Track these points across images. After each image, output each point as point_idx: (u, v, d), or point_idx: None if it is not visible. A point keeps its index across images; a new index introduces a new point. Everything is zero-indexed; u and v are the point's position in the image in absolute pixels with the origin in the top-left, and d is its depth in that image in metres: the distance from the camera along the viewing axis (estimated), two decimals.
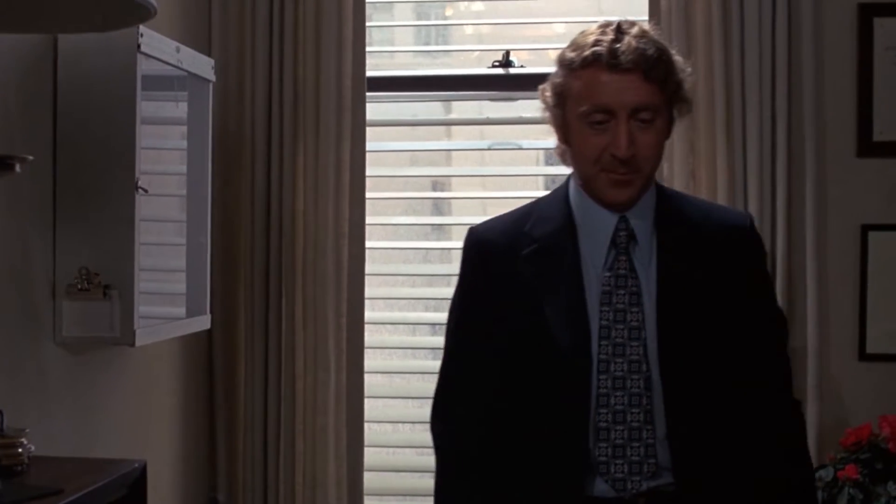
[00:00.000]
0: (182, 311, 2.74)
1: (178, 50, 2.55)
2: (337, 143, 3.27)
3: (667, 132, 2.06)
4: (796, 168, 3.19)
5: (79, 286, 2.34)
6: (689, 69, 2.08)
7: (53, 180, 2.35)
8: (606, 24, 2.03)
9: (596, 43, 1.99)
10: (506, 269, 2.08)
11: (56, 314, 2.35)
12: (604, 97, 1.98)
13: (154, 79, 2.47)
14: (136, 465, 1.68)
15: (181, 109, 2.70)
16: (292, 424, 3.26)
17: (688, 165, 3.21)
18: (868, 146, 3.22)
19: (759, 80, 3.18)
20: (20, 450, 1.62)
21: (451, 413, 2.13)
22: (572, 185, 2.12)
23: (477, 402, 2.11)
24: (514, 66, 3.45)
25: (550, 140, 2.15)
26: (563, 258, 2.06)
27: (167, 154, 2.69)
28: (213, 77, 2.80)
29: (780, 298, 3.10)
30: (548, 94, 2.08)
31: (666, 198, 2.12)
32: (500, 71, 3.46)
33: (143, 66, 2.37)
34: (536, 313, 2.05)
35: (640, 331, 2.02)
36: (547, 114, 2.10)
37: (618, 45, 1.97)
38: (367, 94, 3.31)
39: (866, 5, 3.20)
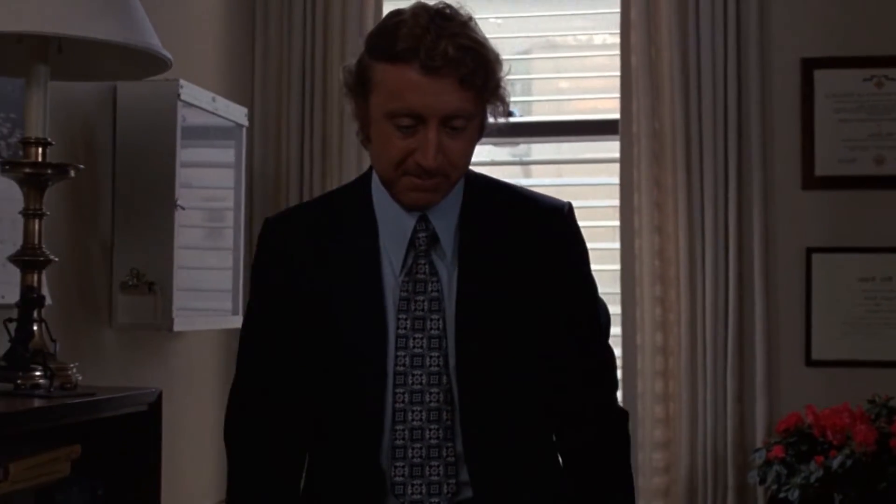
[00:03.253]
0: (227, 308, 3.34)
1: (213, 99, 3.19)
2: None
3: (479, 135, 1.90)
4: (746, 198, 3.68)
5: (130, 283, 2.96)
6: (508, 67, 1.88)
7: (112, 199, 2.98)
8: (422, 10, 1.82)
9: (411, 36, 1.77)
10: (300, 264, 1.92)
11: (112, 305, 2.97)
12: (414, 102, 1.78)
13: (195, 121, 3.10)
14: (154, 390, 2.26)
15: (218, 147, 3.33)
16: None
17: (652, 196, 3.74)
18: (811, 180, 3.73)
19: (714, 125, 3.67)
20: (69, 373, 2.20)
21: (241, 412, 1.98)
22: (374, 178, 1.94)
23: (268, 401, 1.94)
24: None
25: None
26: (362, 258, 1.91)
27: (209, 181, 3.31)
28: (246, 122, 3.43)
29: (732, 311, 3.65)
30: (350, 78, 1.88)
31: (475, 192, 1.95)
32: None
33: (183, 112, 3.00)
34: (330, 317, 1.90)
35: (440, 340, 1.88)
36: (346, 97, 1.91)
37: (435, 44, 1.76)
38: None
39: (808, 59, 3.72)
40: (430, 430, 1.88)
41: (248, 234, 3.54)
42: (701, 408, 3.67)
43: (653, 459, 3.70)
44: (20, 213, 2.23)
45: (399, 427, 1.88)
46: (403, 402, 1.88)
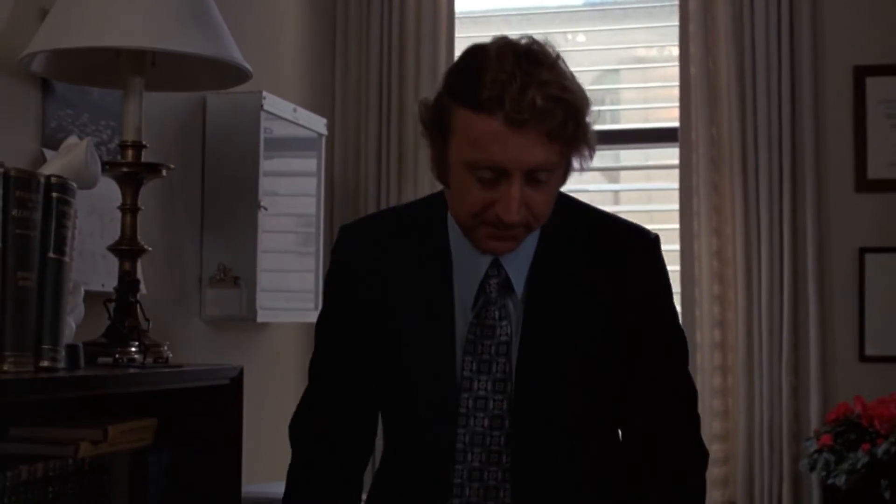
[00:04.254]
0: (309, 306, 3.61)
1: (294, 110, 3.46)
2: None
3: (563, 181, 1.80)
4: (800, 201, 3.84)
5: (217, 278, 3.23)
6: (596, 110, 1.77)
7: (201, 200, 3.26)
8: (507, 51, 1.69)
9: (496, 83, 1.65)
10: (371, 281, 1.88)
11: (202, 298, 3.24)
12: (497, 155, 1.67)
13: (278, 132, 3.37)
14: (237, 366, 2.51)
15: (300, 156, 3.60)
16: None
17: (710, 200, 3.92)
18: (864, 182, 3.89)
19: (769, 131, 3.84)
20: (161, 349, 2.46)
21: (307, 412, 1.98)
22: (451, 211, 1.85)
23: (333, 406, 1.94)
24: None
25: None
26: (434, 290, 1.86)
27: (291, 188, 3.58)
28: (325, 132, 3.70)
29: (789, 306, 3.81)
30: (426, 115, 1.79)
31: (553, 225, 1.84)
32: None
33: (266, 123, 3.27)
34: (396, 344, 1.88)
35: (505, 383, 1.84)
36: (422, 133, 1.82)
37: (521, 94, 1.64)
38: None
39: (860, 67, 3.89)
40: (489, 471, 1.86)
41: (328, 237, 3.80)
42: (757, 401, 3.84)
43: (712, 451, 3.84)
44: (118, 207, 2.49)
45: (458, 467, 1.86)
46: (464, 442, 1.86)
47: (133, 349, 2.34)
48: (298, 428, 1.98)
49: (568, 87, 1.70)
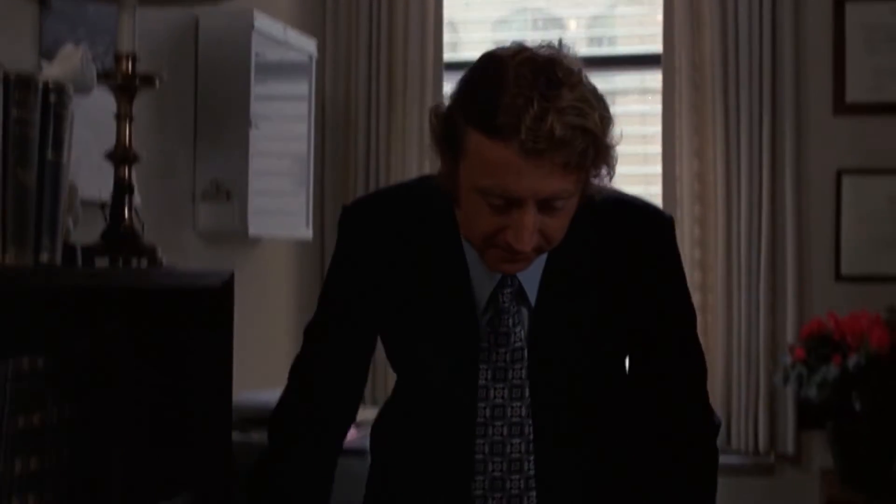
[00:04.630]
0: (300, 221, 3.70)
1: (284, 30, 3.54)
2: (420, 114, 4.20)
3: (579, 201, 1.68)
4: (780, 124, 3.93)
5: (210, 192, 3.33)
6: (620, 134, 1.64)
7: (194, 119, 3.34)
8: (526, 70, 1.56)
9: (512, 109, 1.53)
10: (381, 272, 1.83)
11: (195, 211, 3.34)
12: (510, 185, 1.58)
13: (269, 55, 3.45)
14: (227, 271, 2.60)
15: (290, 78, 3.68)
16: None
17: (692, 122, 4.01)
18: (842, 106, 3.98)
19: (749, 55, 3.92)
20: (156, 253, 2.55)
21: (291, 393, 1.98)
22: None
23: (320, 387, 1.91)
24: None
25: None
26: (453, 294, 1.80)
27: (282, 109, 3.67)
28: (315, 53, 3.78)
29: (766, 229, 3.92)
30: (437, 127, 1.66)
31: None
32: None
33: (256, 44, 3.35)
34: (410, 340, 1.86)
35: (522, 389, 1.81)
36: (432, 147, 1.71)
37: (539, 122, 1.52)
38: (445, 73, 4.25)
39: None
40: (511, 480, 1.84)
41: (318, 159, 3.89)
42: (735, 319, 3.96)
43: None
44: (114, 116, 2.58)
45: (479, 477, 1.84)
46: (484, 453, 1.83)
47: (128, 251, 2.43)
48: (293, 378, 1.97)
49: (589, 113, 1.57)
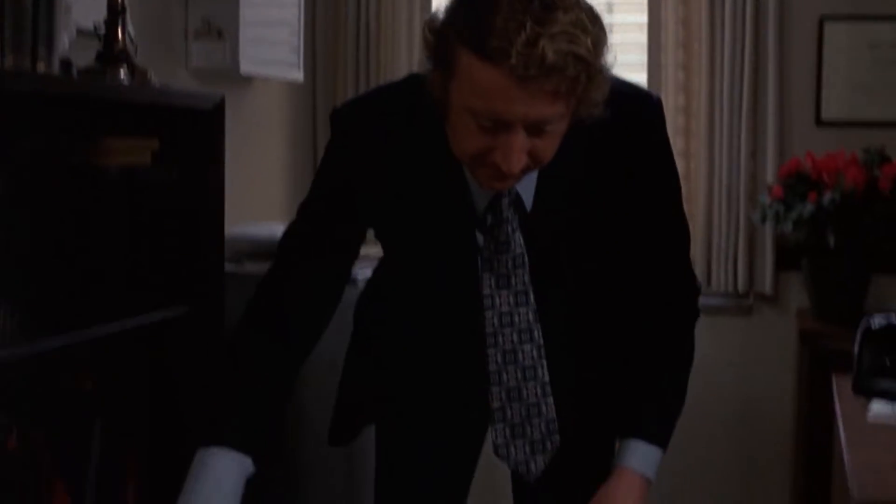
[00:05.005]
0: (293, 61, 3.77)
1: None
2: None
3: (569, 122, 1.65)
4: None
5: (202, 30, 3.40)
6: (613, 57, 1.61)
7: None
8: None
9: (504, 32, 1.50)
10: (378, 179, 1.80)
11: (187, 49, 3.42)
12: (500, 108, 1.55)
13: None
14: (218, 92, 2.69)
15: None
16: None
17: None
18: None
19: None
20: (148, 74, 2.64)
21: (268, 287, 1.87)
22: None
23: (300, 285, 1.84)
24: None
25: None
26: (452, 204, 1.79)
27: None
28: None
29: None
30: (430, 42, 1.63)
31: None
32: None
33: None
34: (410, 250, 1.87)
35: (526, 295, 1.83)
36: (425, 58, 1.66)
37: (531, 48, 1.49)
38: None
39: None
40: (528, 388, 1.84)
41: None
42: (717, 163, 4.06)
43: None
44: None
45: (495, 389, 1.85)
46: (497, 363, 1.84)
47: (122, 71, 2.52)
48: (284, 242, 1.91)
49: (582, 39, 1.53)
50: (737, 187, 4.04)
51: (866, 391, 2.45)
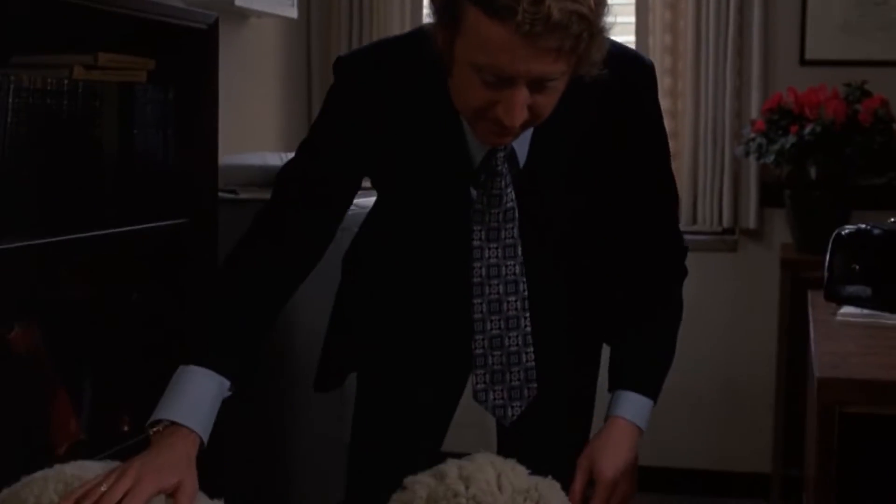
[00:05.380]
0: (289, 1, 3.86)
1: None
2: None
3: (568, 81, 1.71)
4: None
5: None
6: (613, 20, 1.68)
7: None
8: None
9: None
10: (379, 128, 1.86)
11: None
12: (504, 63, 1.62)
13: None
14: (212, 13, 2.77)
15: None
16: None
17: None
18: None
19: None
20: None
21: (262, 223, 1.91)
22: None
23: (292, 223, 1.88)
24: None
25: None
26: (449, 153, 1.85)
27: None
28: None
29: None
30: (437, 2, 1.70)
31: None
32: None
33: None
34: (405, 195, 1.93)
35: (514, 248, 1.89)
36: (431, 15, 1.74)
37: (539, 6, 1.55)
38: None
39: None
40: (510, 337, 1.91)
41: None
42: (703, 102, 4.15)
43: None
44: None
45: (478, 336, 1.91)
46: (482, 312, 1.90)
47: None
48: (282, 180, 1.94)
49: (586, 1, 1.60)
50: (722, 125, 4.13)
51: (837, 298, 2.54)
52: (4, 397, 2.26)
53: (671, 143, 3.98)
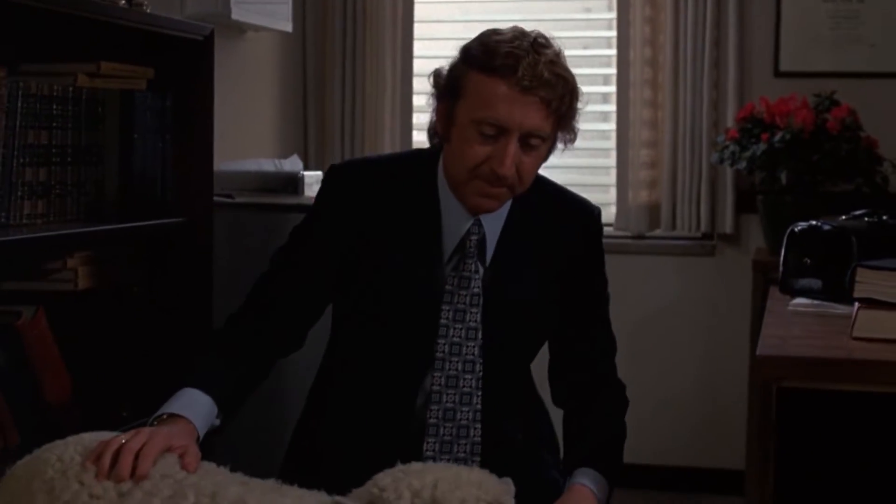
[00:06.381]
0: (284, 15, 4.04)
1: None
2: None
3: (547, 157, 2.07)
4: None
5: None
6: (586, 102, 2.06)
7: None
8: (522, 35, 1.99)
9: (511, 54, 1.94)
10: (361, 223, 2.08)
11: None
12: (503, 114, 1.94)
13: None
14: (208, 25, 2.94)
15: None
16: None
17: None
18: None
19: None
20: (143, 5, 2.90)
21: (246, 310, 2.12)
22: (441, 171, 2.11)
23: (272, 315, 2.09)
24: None
25: None
26: (424, 240, 2.08)
27: None
28: None
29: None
30: (441, 80, 2.06)
31: (520, 199, 2.10)
32: None
33: None
34: (378, 284, 2.08)
35: (476, 331, 2.08)
36: (432, 98, 2.08)
37: (534, 66, 1.93)
38: None
39: None
40: (462, 411, 2.08)
41: None
42: (681, 113, 4.33)
43: (641, 156, 4.38)
44: None
45: (434, 407, 2.08)
46: (440, 384, 2.08)
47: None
48: (252, 294, 2.14)
49: (569, 71, 2.01)
50: (700, 135, 4.30)
51: (790, 290, 2.70)
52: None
53: (651, 152, 4.24)
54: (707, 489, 4.37)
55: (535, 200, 2.13)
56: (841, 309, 2.47)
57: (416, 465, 1.58)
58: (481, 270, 2.10)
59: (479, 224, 2.10)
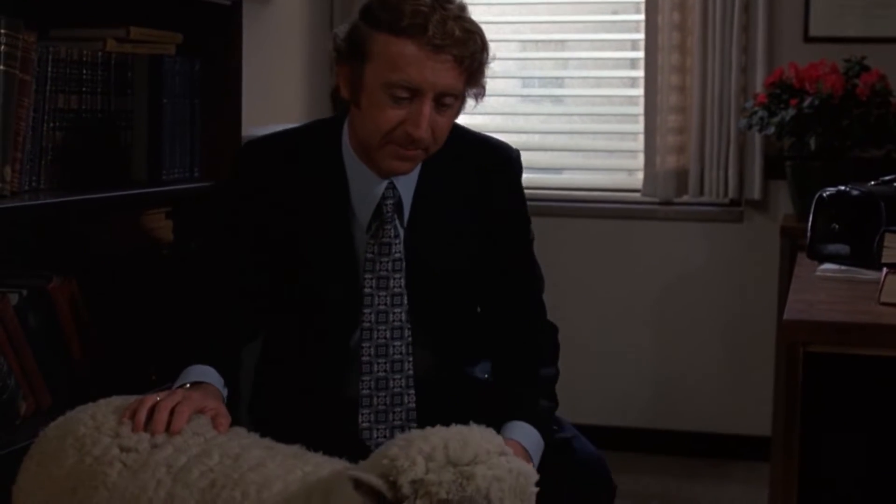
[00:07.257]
0: None
1: None
2: None
3: (458, 114, 2.03)
4: None
5: None
6: (493, 55, 2.01)
7: None
8: None
9: (417, 12, 1.88)
10: (272, 201, 2.07)
11: None
12: (415, 76, 1.89)
13: None
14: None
15: None
16: None
17: None
18: None
19: None
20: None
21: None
22: (345, 140, 2.07)
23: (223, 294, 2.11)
24: None
25: None
26: (333, 214, 2.06)
27: None
28: None
29: None
30: (341, 41, 1.98)
31: (431, 155, 2.04)
32: None
33: None
34: (296, 261, 2.07)
35: (401, 297, 2.05)
36: (334, 61, 2.01)
37: (443, 23, 1.87)
38: None
39: None
40: (394, 379, 2.06)
41: None
42: (710, 78, 4.30)
43: (668, 121, 4.36)
44: None
45: (365, 378, 2.06)
46: (370, 354, 2.06)
47: None
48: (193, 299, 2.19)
49: (478, 26, 1.97)
50: (728, 100, 4.28)
51: (818, 256, 2.70)
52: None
53: (679, 118, 4.22)
54: (733, 455, 4.37)
55: (446, 153, 2.06)
56: (869, 274, 2.47)
57: (414, 432, 1.59)
58: (402, 234, 2.07)
59: (393, 187, 2.06)
